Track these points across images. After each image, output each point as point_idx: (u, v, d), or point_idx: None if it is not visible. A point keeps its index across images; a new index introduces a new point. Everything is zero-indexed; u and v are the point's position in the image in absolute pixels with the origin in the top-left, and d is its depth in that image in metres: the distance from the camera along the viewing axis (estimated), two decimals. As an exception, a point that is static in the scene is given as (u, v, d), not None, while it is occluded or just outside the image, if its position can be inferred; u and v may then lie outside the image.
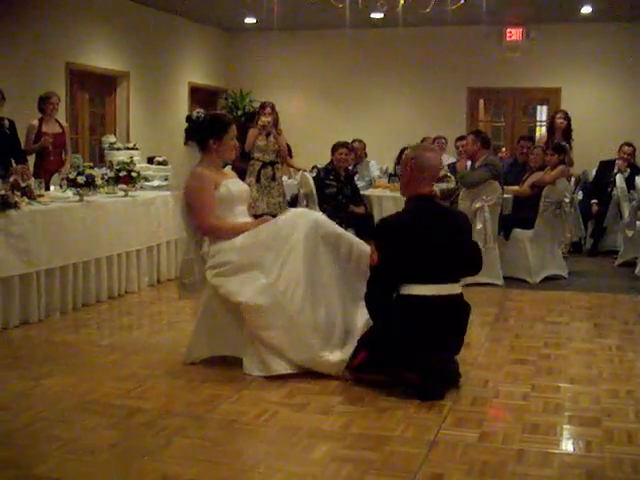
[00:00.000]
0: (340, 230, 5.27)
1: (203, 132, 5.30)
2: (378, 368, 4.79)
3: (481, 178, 8.21)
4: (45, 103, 9.26)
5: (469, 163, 8.98)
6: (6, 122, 8.65)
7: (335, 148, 9.42)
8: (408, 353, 4.67)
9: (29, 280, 6.42)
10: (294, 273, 4.94)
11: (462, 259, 4.89)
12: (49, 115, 9.32)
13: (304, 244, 5.01)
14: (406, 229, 4.76)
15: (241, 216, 5.37)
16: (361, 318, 5.04)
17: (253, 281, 4.96)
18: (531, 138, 11.49)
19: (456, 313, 4.80)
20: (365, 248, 5.13)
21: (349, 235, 5.31)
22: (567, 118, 10.50)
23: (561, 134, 10.35)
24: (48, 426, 4.12)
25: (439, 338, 4.70)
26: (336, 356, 4.94)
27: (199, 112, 5.39)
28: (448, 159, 11.75)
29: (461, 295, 4.85)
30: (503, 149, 13.48)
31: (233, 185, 5.35)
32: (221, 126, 5.32)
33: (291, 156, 12.06)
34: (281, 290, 4.91)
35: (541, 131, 15.24)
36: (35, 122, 9.25)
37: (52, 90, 9.71)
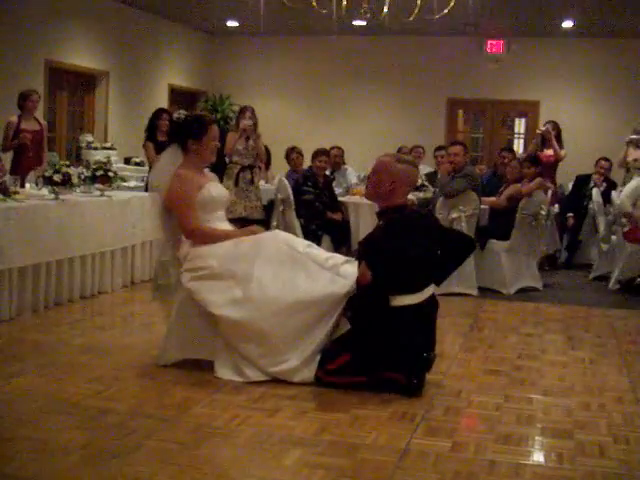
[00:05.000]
0: (320, 260, 5.20)
1: (183, 133, 5.27)
2: (359, 370, 4.83)
3: (460, 188, 8.24)
4: (25, 100, 9.19)
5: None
6: None
7: (315, 155, 9.42)
8: (397, 356, 4.78)
9: (1, 277, 6.34)
10: (270, 289, 4.92)
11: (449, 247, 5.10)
12: (29, 113, 9.24)
13: (283, 264, 5.02)
14: (395, 241, 4.82)
15: (219, 220, 5.34)
16: (320, 333, 4.96)
17: (228, 292, 4.93)
18: (511, 149, 11.56)
19: (434, 311, 5.01)
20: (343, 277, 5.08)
21: (331, 263, 5.20)
22: (556, 128, 10.66)
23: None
24: (16, 425, 4.06)
25: (427, 338, 4.89)
26: (307, 370, 4.92)
27: (180, 113, 5.36)
28: (425, 169, 11.78)
29: (434, 293, 5.04)
30: (482, 166, 13.37)
31: (214, 189, 5.32)
32: (200, 127, 5.27)
33: (270, 163, 12.01)
34: (255, 305, 4.88)
35: (519, 144, 15.40)
36: (14, 119, 9.18)
37: (31, 87, 9.64)
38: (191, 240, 5.17)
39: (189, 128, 5.28)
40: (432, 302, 4.97)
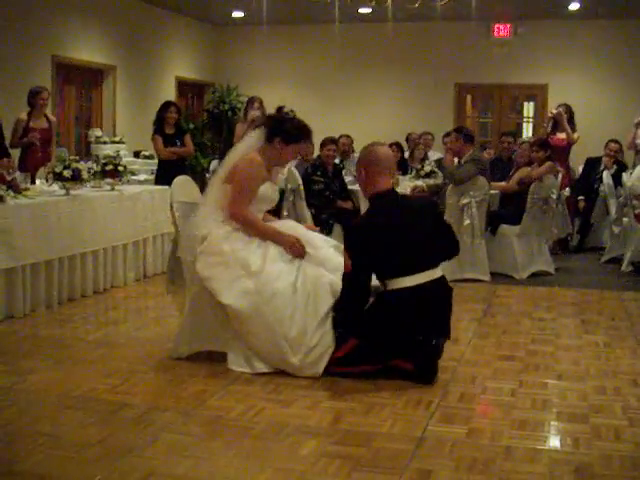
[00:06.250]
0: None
1: (279, 128, 5.25)
2: (369, 357, 4.82)
3: (469, 174, 8.21)
4: (35, 98, 9.16)
5: (456, 159, 8.98)
6: None
7: (323, 144, 9.39)
8: (404, 342, 4.75)
9: (14, 274, 6.36)
10: (279, 282, 4.92)
11: (441, 241, 5.01)
12: (38, 110, 9.23)
13: (292, 260, 5.05)
14: (378, 227, 4.81)
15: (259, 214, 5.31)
16: (320, 330, 4.91)
17: (239, 282, 4.92)
18: (512, 133, 11.54)
19: (442, 296, 4.91)
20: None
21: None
22: (568, 111, 10.56)
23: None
24: (33, 422, 4.09)
25: (431, 323, 4.80)
26: (311, 370, 4.88)
27: (292, 111, 5.39)
28: (434, 155, 11.76)
29: (443, 277, 4.95)
30: (490, 150, 13.29)
31: (268, 189, 5.28)
32: (297, 134, 5.30)
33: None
34: (266, 297, 4.88)
35: (527, 128, 15.35)
36: (24, 116, 9.15)
37: (38, 83, 9.63)
38: (233, 220, 5.13)
39: (288, 128, 5.27)
40: (439, 286, 4.88)
